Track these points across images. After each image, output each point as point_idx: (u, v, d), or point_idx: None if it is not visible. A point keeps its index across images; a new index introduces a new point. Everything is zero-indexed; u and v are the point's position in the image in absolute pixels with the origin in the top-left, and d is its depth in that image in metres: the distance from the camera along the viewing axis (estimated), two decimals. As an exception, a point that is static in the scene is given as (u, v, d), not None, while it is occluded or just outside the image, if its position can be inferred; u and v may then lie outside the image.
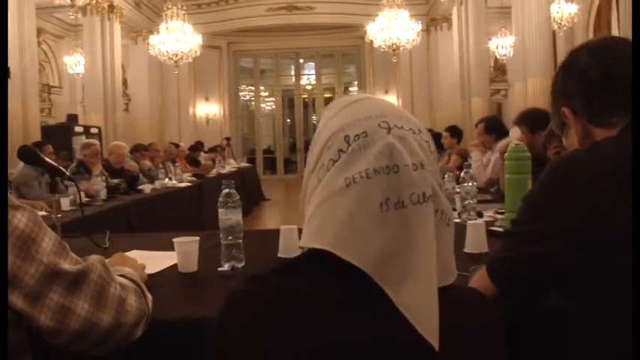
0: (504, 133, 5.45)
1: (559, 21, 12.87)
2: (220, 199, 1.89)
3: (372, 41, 14.78)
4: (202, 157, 11.20)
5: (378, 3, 14.75)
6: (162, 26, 13.46)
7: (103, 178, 5.17)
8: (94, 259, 1.15)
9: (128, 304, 1.17)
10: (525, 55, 11.73)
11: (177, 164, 8.64)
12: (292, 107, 21.64)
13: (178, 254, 1.85)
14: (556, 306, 1.23)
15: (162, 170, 7.17)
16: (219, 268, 1.85)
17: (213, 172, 9.79)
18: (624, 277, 1.06)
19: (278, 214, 12.11)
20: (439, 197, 0.87)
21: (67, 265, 1.07)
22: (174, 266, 1.89)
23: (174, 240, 1.86)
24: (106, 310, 1.11)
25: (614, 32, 13.33)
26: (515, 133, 2.57)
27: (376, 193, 0.82)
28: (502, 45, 15.68)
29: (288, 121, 22.03)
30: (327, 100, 21.56)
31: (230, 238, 1.88)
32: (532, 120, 4.13)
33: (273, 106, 21.82)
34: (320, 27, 18.61)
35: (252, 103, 21.63)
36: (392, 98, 19.19)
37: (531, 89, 11.64)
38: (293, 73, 21.96)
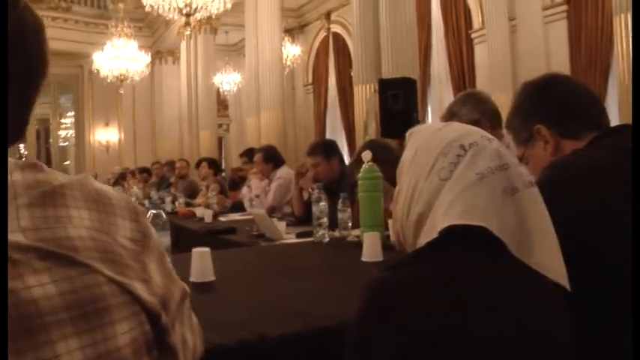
0: (281, 163, 5.69)
1: (285, 61, 13.77)
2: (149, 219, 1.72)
3: (92, 71, 14.21)
4: None
5: (105, 32, 14.29)
6: None
7: None
8: None
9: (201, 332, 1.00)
10: (259, 90, 12.25)
11: None
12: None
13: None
14: None
15: None
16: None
17: None
18: (609, 267, 1.28)
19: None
20: None
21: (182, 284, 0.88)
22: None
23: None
24: (199, 338, 0.93)
25: (332, 73, 14.65)
26: (367, 156, 2.74)
27: (498, 184, 1.03)
28: (226, 81, 16.15)
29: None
30: (38, 133, 20.03)
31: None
32: (325, 148, 4.44)
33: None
34: (35, 53, 17.17)
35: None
36: (113, 131, 18.54)
37: (264, 122, 12.20)
38: None
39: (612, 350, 1.26)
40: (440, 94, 11.65)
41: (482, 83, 9.98)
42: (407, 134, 1.22)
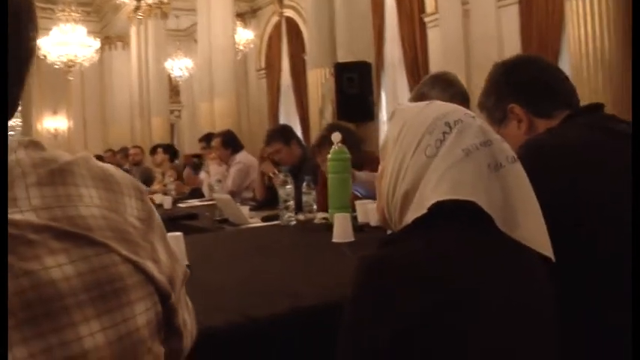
0: (239, 147, 5.66)
1: (237, 45, 13.64)
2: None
3: (39, 57, 13.81)
4: None
5: (51, 17, 13.90)
6: None
7: None
8: None
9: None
10: (212, 76, 12.12)
11: None
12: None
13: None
14: None
15: None
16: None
17: None
18: (582, 244, 1.30)
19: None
20: None
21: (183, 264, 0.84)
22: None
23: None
24: (194, 320, 0.89)
25: (285, 58, 14.60)
26: (336, 137, 2.76)
27: (484, 160, 1.05)
28: (178, 66, 15.91)
29: None
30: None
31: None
32: (283, 133, 4.46)
33: None
34: (-23, 38, 16.58)
35: None
36: (62, 119, 18.09)
37: (218, 109, 12.09)
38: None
39: (590, 327, 1.29)
40: (393, 78, 11.71)
41: (436, 67, 10.06)
42: (389, 113, 1.23)
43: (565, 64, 6.80)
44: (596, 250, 1.30)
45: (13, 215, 0.59)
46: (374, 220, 2.57)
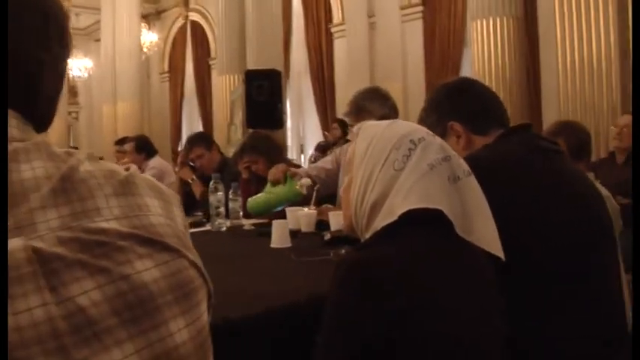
0: (153, 153, 5.62)
1: (141, 47, 13.40)
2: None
3: None
4: None
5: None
6: None
7: None
8: None
9: None
10: (116, 77, 11.88)
11: None
12: None
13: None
14: None
15: None
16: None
17: None
18: (520, 257, 1.41)
19: None
20: None
21: None
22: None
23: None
24: None
25: (189, 62, 14.45)
26: (306, 182, 2.88)
27: (445, 173, 1.20)
28: (77, 67, 15.43)
29: None
30: None
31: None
32: (204, 139, 4.52)
33: None
34: None
35: None
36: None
37: (121, 110, 11.87)
38: None
39: (532, 340, 1.38)
40: (299, 85, 11.88)
41: (342, 77, 10.33)
42: (355, 129, 1.35)
43: (466, 80, 7.17)
44: (530, 263, 1.41)
45: (101, 224, 0.65)
46: (305, 227, 2.68)
